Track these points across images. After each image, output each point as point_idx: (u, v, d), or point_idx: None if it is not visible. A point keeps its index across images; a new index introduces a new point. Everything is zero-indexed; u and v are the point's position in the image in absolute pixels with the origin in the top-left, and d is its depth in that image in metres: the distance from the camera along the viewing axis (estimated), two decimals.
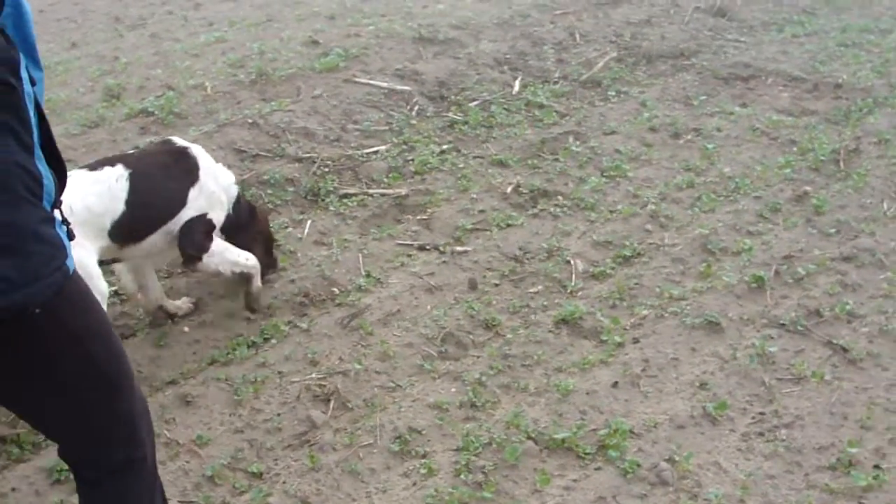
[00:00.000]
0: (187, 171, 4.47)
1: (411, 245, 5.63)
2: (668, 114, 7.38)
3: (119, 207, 4.15)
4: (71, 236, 2.29)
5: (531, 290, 5.22)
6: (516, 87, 7.78)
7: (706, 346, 4.70)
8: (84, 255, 3.81)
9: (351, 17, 9.38)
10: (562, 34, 8.96)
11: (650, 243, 5.62)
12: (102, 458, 2.52)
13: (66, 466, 3.34)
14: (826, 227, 5.72)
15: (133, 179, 4.18)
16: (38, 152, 2.13)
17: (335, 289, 5.18)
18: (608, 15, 9.55)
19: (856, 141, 6.94)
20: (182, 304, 4.93)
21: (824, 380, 4.44)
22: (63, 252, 2.17)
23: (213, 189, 4.57)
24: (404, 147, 6.74)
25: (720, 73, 8.28)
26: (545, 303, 5.10)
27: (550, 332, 4.86)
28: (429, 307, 5.07)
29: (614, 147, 6.81)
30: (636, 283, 5.18)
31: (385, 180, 6.27)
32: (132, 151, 5.38)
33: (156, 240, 4.42)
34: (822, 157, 6.60)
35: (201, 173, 4.52)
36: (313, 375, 4.55)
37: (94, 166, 4.24)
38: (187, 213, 4.46)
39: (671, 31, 9.26)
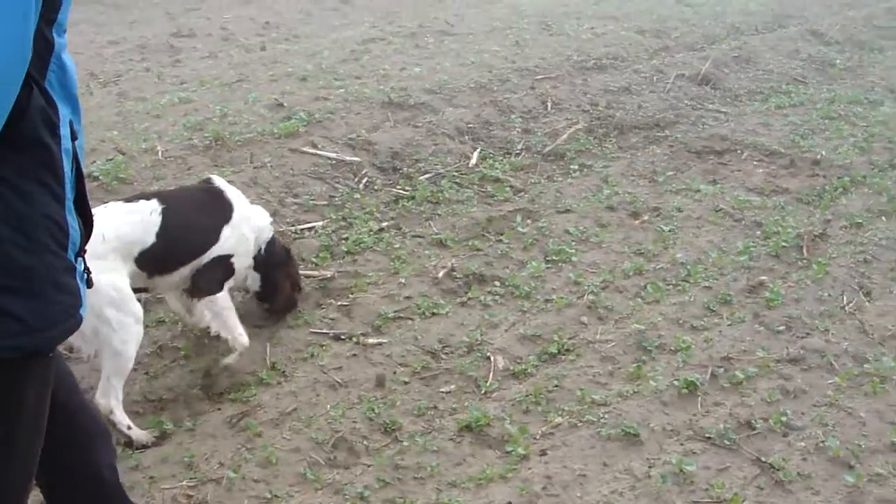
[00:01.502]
0: (221, 211, 4.62)
1: (326, 334, 5.21)
2: (630, 191, 6.96)
3: (149, 239, 4.31)
4: (90, 284, 2.39)
5: (442, 390, 4.80)
6: (473, 160, 7.41)
7: (620, 461, 4.23)
8: (117, 278, 4.12)
9: (324, 78, 9.07)
10: (533, 102, 8.60)
11: (582, 338, 5.18)
12: None
13: None
14: (775, 324, 5.26)
15: (166, 214, 4.33)
16: (70, 206, 2.21)
17: (234, 382, 4.75)
18: (587, 82, 9.18)
19: (825, 224, 6.48)
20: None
21: None
22: (80, 302, 2.25)
23: (244, 232, 4.70)
24: (342, 223, 6.36)
25: (694, 146, 7.86)
26: (454, 405, 4.67)
27: (452, 439, 4.43)
28: (328, 406, 4.63)
29: (565, 227, 6.39)
30: (556, 385, 4.74)
31: (314, 260, 5.87)
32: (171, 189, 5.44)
33: (185, 273, 4.58)
34: (785, 243, 6.14)
35: (235, 215, 4.65)
36: (184, 483, 4.11)
37: (129, 199, 4.47)
38: (216, 251, 4.59)
39: (650, 100, 8.86)
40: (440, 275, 5.74)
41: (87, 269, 2.37)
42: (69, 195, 2.20)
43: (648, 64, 9.89)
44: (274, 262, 4.99)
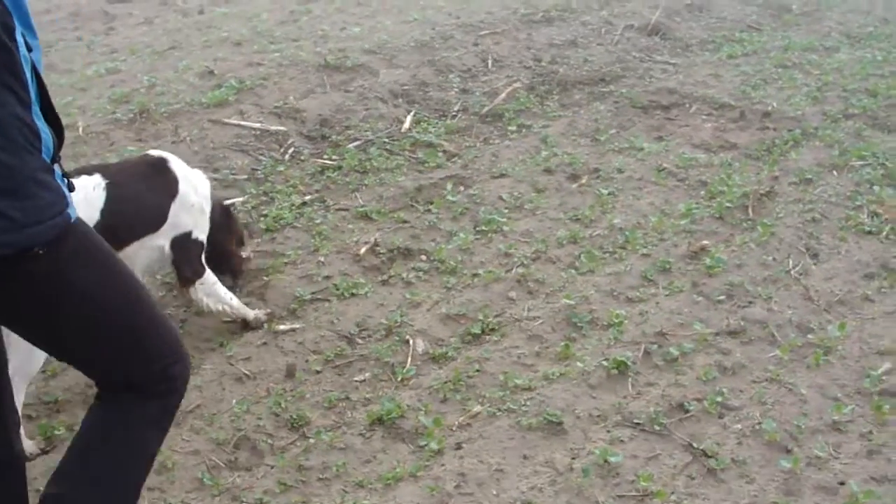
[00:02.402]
0: (166, 182, 4.41)
1: (236, 321, 4.81)
2: (570, 152, 6.58)
3: (94, 216, 4.03)
4: (71, 188, 2.45)
5: (356, 379, 4.47)
6: (406, 124, 7.01)
7: (541, 452, 3.91)
8: None
9: (259, 42, 8.65)
10: (473, 60, 8.19)
11: (508, 316, 4.83)
12: (130, 384, 2.68)
13: None
14: (715, 293, 4.92)
15: (110, 189, 4.10)
16: (36, 109, 2.29)
17: None
18: (531, 36, 8.76)
19: (773, 181, 6.14)
20: (259, 313, 4.87)
21: (671, 498, 3.60)
22: (64, 199, 2.32)
23: (194, 200, 4.49)
24: (263, 198, 5.99)
25: (640, 100, 7.48)
26: (368, 395, 4.34)
27: (362, 434, 4.09)
28: (233, 402, 4.28)
29: (498, 194, 6.03)
30: (477, 370, 4.39)
31: None
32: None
33: (137, 250, 4.33)
34: (730, 203, 5.79)
35: (180, 185, 4.44)
36: None
37: (69, 174, 4.06)
38: (174, 231, 4.44)
39: (596, 54, 8.47)
40: (362, 251, 5.40)
41: (65, 175, 2.44)
42: (34, 99, 2.28)
43: (597, 15, 9.49)
44: (215, 223, 4.72)
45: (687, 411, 4.11)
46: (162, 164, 4.46)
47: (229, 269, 4.97)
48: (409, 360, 4.57)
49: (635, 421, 4.06)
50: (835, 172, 6.35)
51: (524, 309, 4.90)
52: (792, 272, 5.18)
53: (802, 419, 4.04)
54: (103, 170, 4.25)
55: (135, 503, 2.82)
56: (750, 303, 4.90)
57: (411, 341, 4.67)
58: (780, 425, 3.99)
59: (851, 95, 7.53)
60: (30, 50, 2.31)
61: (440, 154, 6.60)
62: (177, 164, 4.51)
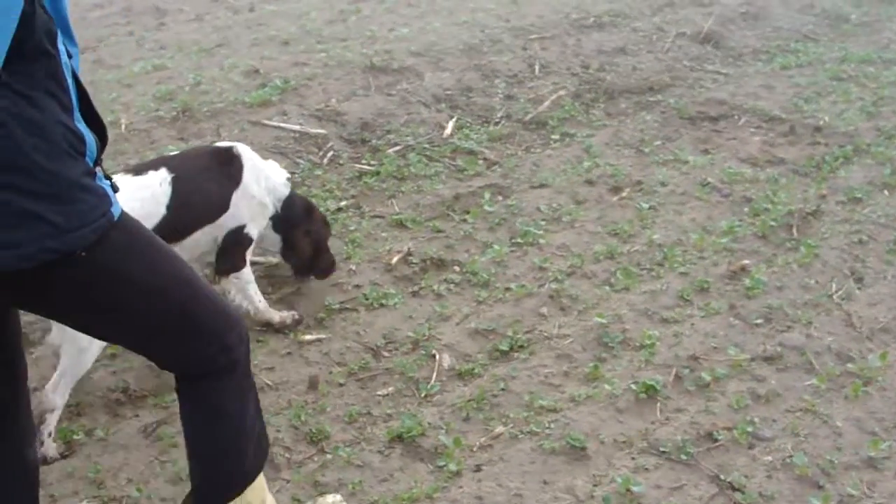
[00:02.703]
0: (230, 172, 4.45)
1: (263, 330, 4.77)
2: (613, 163, 6.45)
3: (161, 212, 4.15)
4: (115, 189, 2.49)
5: (379, 394, 4.38)
6: (448, 130, 6.92)
7: (562, 478, 3.81)
8: None
9: (306, 42, 8.61)
10: (520, 65, 8.08)
11: (539, 333, 4.73)
12: (190, 369, 2.75)
13: None
14: (753, 316, 4.77)
15: (176, 183, 4.17)
16: (78, 115, 2.34)
17: (157, 385, 4.36)
18: (580, 42, 8.62)
19: (819, 200, 5.96)
20: (286, 315, 4.85)
21: None
22: (107, 200, 2.38)
23: (255, 192, 4.51)
24: None
25: (688, 111, 7.32)
26: (390, 410, 4.26)
27: (380, 451, 4.01)
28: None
29: (536, 205, 5.92)
30: (503, 388, 4.30)
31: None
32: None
33: (196, 239, 4.40)
34: (774, 222, 5.62)
35: (245, 174, 4.47)
36: (84, 503, 3.71)
37: (137, 170, 4.28)
38: (231, 222, 4.49)
39: (646, 62, 8.31)
40: (394, 260, 5.32)
41: (108, 177, 2.49)
42: (75, 105, 2.33)
43: (649, 21, 9.31)
44: (292, 220, 4.75)
45: (716, 440, 3.98)
46: (228, 153, 4.49)
47: (311, 268, 5.02)
48: (435, 375, 4.49)
49: (661, 449, 3.94)
50: (885, 192, 6.15)
51: (555, 326, 4.79)
52: (834, 296, 5.01)
53: (836, 454, 3.89)
54: (169, 163, 4.30)
55: (264, 448, 3.05)
56: (788, 327, 4.75)
57: (437, 356, 4.59)
58: (812, 459, 3.85)
59: None
60: (70, 57, 2.36)
61: (480, 162, 6.50)
62: (245, 154, 4.53)
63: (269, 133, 6.73)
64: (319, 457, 4.04)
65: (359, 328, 4.83)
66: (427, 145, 6.69)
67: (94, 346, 3.90)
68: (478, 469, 3.90)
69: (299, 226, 4.78)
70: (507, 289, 5.10)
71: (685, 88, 7.85)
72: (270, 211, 4.62)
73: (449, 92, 7.49)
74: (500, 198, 6.07)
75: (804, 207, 5.82)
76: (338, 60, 7.96)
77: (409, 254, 5.40)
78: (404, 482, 3.87)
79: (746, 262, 5.28)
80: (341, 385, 4.46)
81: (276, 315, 4.75)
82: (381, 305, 5.00)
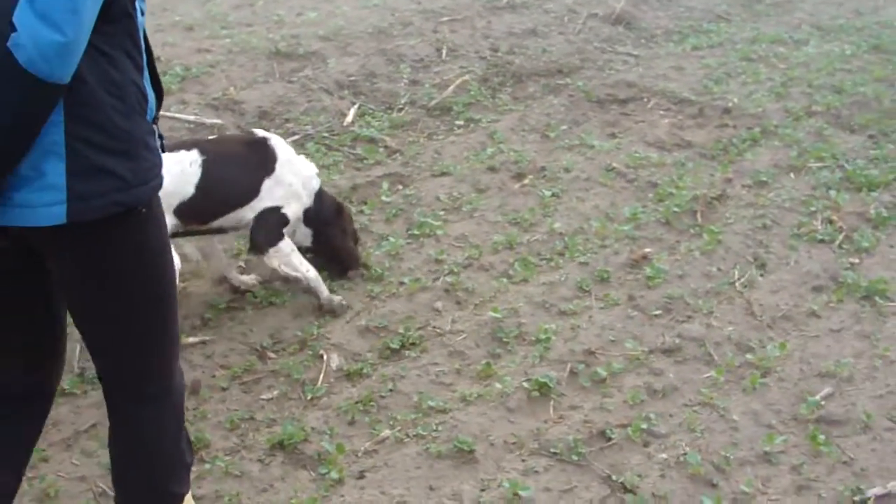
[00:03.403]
0: (263, 163, 4.48)
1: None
2: (517, 149, 6.27)
3: (189, 190, 4.26)
4: (163, 149, 2.59)
5: (263, 397, 4.17)
6: (349, 117, 6.70)
7: (448, 483, 3.64)
8: None
9: (211, 27, 8.28)
10: (427, 49, 7.85)
11: (432, 329, 4.55)
12: (137, 382, 2.73)
13: None
14: (652, 307, 4.63)
15: (206, 166, 4.26)
16: (146, 73, 2.42)
17: None
18: (490, 24, 8.43)
19: (725, 183, 5.85)
20: (249, 279, 4.87)
21: None
22: (161, 161, 2.46)
23: (290, 181, 4.53)
24: None
25: (596, 94, 7.17)
26: (274, 415, 4.06)
27: (261, 460, 3.80)
28: None
29: (437, 194, 5.73)
30: (391, 389, 4.10)
31: None
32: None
33: (222, 223, 4.49)
34: (677, 208, 5.50)
35: (278, 167, 4.49)
36: None
37: (171, 148, 4.24)
38: (262, 204, 4.49)
39: (556, 43, 8.15)
40: None
41: (160, 135, 2.55)
42: (144, 64, 2.41)
43: (562, 2, 9.13)
44: (324, 216, 4.77)
45: (609, 439, 3.83)
46: (262, 143, 4.55)
47: (341, 264, 4.95)
48: (322, 376, 4.29)
49: (552, 450, 3.78)
50: (791, 175, 6.07)
51: (449, 321, 4.62)
52: (736, 284, 4.90)
53: (732, 449, 3.77)
54: (202, 146, 4.38)
55: (187, 464, 3.04)
56: (689, 317, 4.62)
57: (325, 356, 4.38)
58: (706, 456, 3.73)
59: (816, 92, 7.25)
60: (142, 14, 2.41)
61: (381, 150, 6.30)
62: (279, 145, 4.59)
63: (163, 124, 6.38)
64: (198, 467, 3.80)
65: (245, 328, 4.61)
66: (327, 134, 6.48)
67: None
68: (361, 476, 3.72)
69: (333, 223, 4.81)
70: (401, 283, 4.91)
71: (595, 71, 7.71)
72: (305, 202, 4.65)
73: (352, 78, 7.26)
74: (399, 187, 5.88)
75: (709, 192, 5.71)
76: (242, 47, 7.70)
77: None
78: (284, 492, 3.67)
79: (648, 250, 5.15)
80: (224, 389, 4.25)
81: (326, 290, 4.69)
82: (270, 304, 4.79)
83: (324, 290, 4.68)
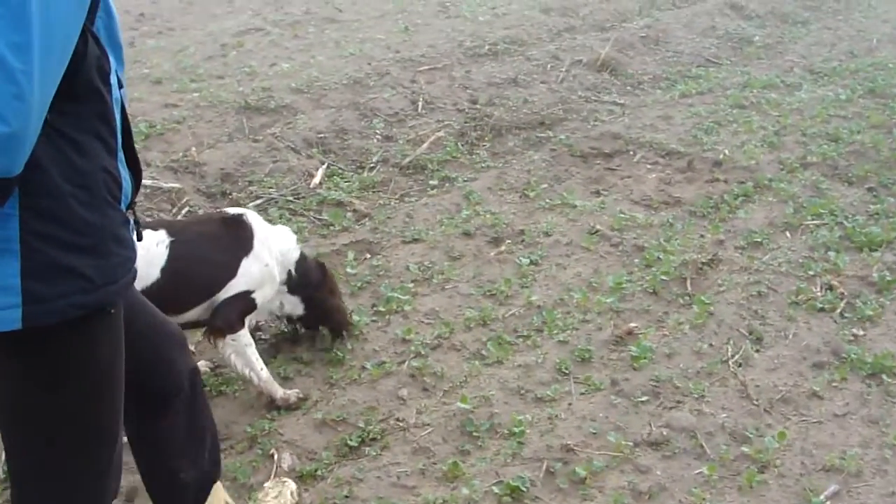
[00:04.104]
0: (239, 241, 4.16)
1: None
2: (495, 210, 5.86)
3: (154, 274, 3.86)
4: (139, 237, 2.41)
5: None
6: (317, 178, 6.29)
7: None
8: None
9: (180, 80, 7.90)
10: (402, 102, 7.45)
11: (395, 421, 4.12)
12: None
13: None
14: (638, 392, 4.20)
15: (174, 247, 3.90)
16: (120, 155, 2.22)
17: None
18: (470, 74, 8.06)
19: (717, 246, 5.43)
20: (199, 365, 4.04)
21: None
22: (134, 255, 2.26)
23: (266, 262, 4.23)
24: None
25: (579, 148, 6.78)
26: None
27: None
28: None
29: (407, 263, 5.32)
30: (347, 495, 3.69)
31: None
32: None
33: (199, 313, 4.11)
34: (665, 275, 5.08)
35: (255, 245, 4.18)
36: None
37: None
38: (237, 285, 4.14)
39: (538, 93, 7.76)
40: None
41: (136, 222, 2.37)
42: (119, 146, 2.20)
43: (545, 49, 8.76)
44: (310, 281, 4.50)
45: None
46: (237, 220, 4.24)
47: (334, 324, 4.69)
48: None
49: None
50: (787, 233, 5.65)
51: (414, 412, 4.18)
52: (730, 362, 4.46)
53: None
54: (168, 226, 4.05)
55: None
56: (678, 403, 4.18)
57: (276, 455, 3.92)
58: None
59: (811, 141, 6.85)
60: (121, 87, 2.24)
61: (349, 215, 5.89)
62: (255, 221, 4.28)
63: None
64: None
65: None
66: (292, 197, 6.06)
67: None
68: None
69: (321, 286, 4.57)
70: (364, 367, 4.49)
71: (579, 122, 7.31)
72: (279, 278, 4.35)
73: (322, 135, 6.87)
74: (366, 256, 5.47)
75: (699, 257, 5.29)
76: (211, 101, 7.34)
77: (258, 329, 4.71)
78: None
79: (634, 324, 4.72)
80: None
81: (280, 390, 4.29)
82: (220, 393, 4.38)
83: (277, 390, 4.29)
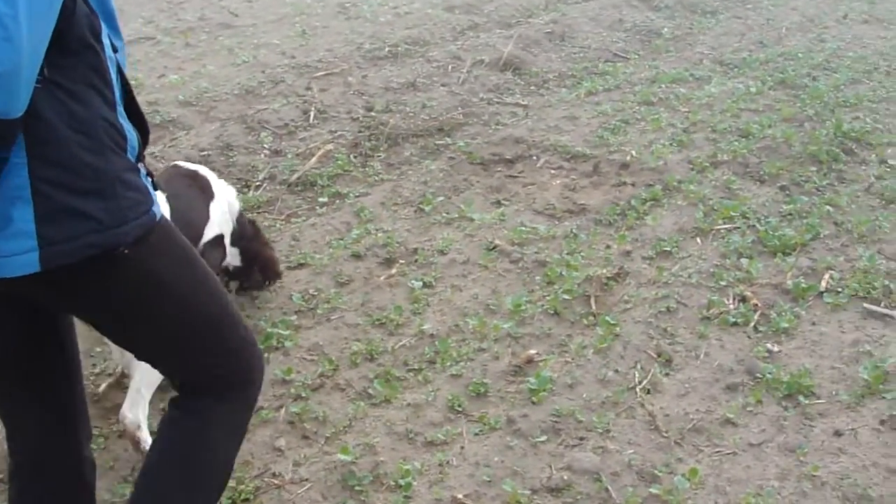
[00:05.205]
0: (204, 189, 4.41)
1: None
2: (388, 228, 5.44)
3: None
4: (156, 187, 2.48)
5: None
6: None
7: None
8: None
9: None
10: (293, 112, 6.97)
11: (270, 477, 3.67)
12: (213, 387, 2.67)
13: None
14: (537, 430, 3.85)
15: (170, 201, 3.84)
16: (121, 110, 2.34)
17: None
18: (366, 79, 7.61)
19: (624, 257, 5.07)
20: None
21: None
22: (149, 198, 2.36)
23: (225, 207, 4.47)
24: None
25: (479, 155, 6.37)
26: None
27: None
28: None
29: (290, 292, 4.86)
30: None
31: None
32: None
33: None
34: (567, 294, 4.67)
35: (215, 192, 4.44)
36: None
37: None
38: (209, 232, 4.30)
39: (437, 97, 7.34)
40: (102, 387, 4.15)
41: (150, 174, 2.45)
42: (119, 100, 2.31)
43: (447, 49, 8.34)
44: (247, 233, 4.69)
45: None
46: (195, 173, 4.53)
47: (270, 273, 4.88)
48: None
49: None
50: (698, 240, 5.31)
51: (291, 465, 3.73)
52: (637, 389, 4.11)
53: None
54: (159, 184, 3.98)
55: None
56: (581, 440, 3.81)
57: None
58: None
59: (721, 137, 6.52)
60: (115, 51, 2.33)
61: None
62: (207, 173, 4.61)
63: None
64: None
65: None
66: None
67: None
68: None
69: (255, 237, 4.77)
70: None
71: (479, 126, 6.90)
72: (230, 225, 4.52)
73: (205, 152, 6.37)
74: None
75: (605, 272, 4.90)
76: None
77: (109, 374, 4.24)
78: None
79: (533, 351, 4.34)
80: None
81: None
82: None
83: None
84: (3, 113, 1.98)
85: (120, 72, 2.39)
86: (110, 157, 2.26)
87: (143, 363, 3.40)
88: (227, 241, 4.55)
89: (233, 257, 4.65)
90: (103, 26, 2.28)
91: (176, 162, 4.95)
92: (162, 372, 2.87)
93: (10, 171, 2.13)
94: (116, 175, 2.27)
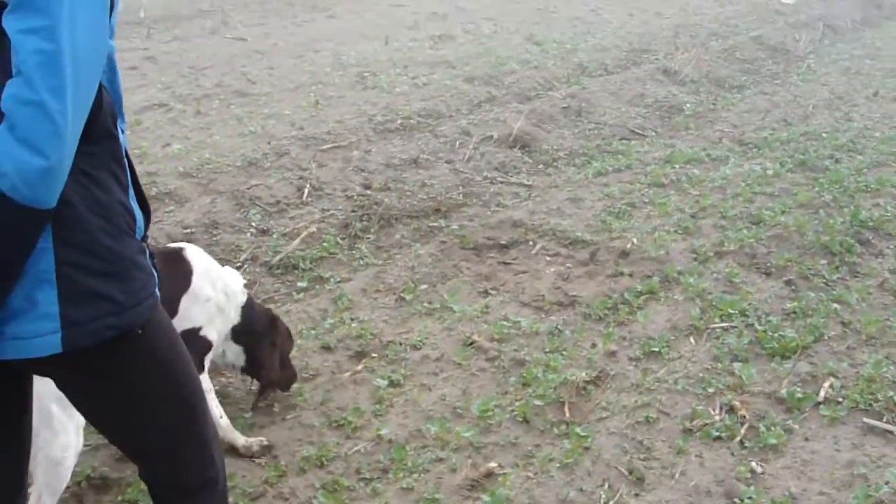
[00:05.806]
0: (178, 277, 3.96)
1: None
2: (364, 318, 5.16)
3: None
4: (156, 267, 2.48)
5: None
6: None
7: None
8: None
9: None
10: (287, 188, 6.74)
11: None
12: (182, 479, 2.65)
13: None
14: None
15: None
16: (131, 192, 2.39)
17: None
18: (368, 154, 7.38)
19: (608, 358, 4.71)
20: (252, 441, 4.20)
21: None
22: (154, 278, 2.41)
23: (211, 297, 4.05)
24: None
25: (473, 239, 6.09)
26: None
27: None
28: None
29: (250, 386, 4.54)
30: None
31: None
32: None
33: None
34: (539, 400, 4.36)
35: (195, 280, 4.02)
36: None
37: None
38: (180, 325, 3.81)
39: (439, 175, 7.10)
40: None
41: (151, 255, 2.46)
42: (129, 183, 2.37)
43: (456, 124, 8.08)
44: (255, 330, 4.30)
45: None
46: (176, 254, 4.07)
47: (262, 380, 4.45)
48: None
49: None
50: (691, 339, 4.96)
51: None
52: None
53: None
54: None
55: None
56: None
57: None
58: None
59: (730, 224, 6.18)
60: (122, 133, 2.38)
61: None
62: (195, 256, 4.12)
63: None
64: None
65: None
66: None
67: (69, 456, 3.37)
68: None
69: (265, 336, 4.34)
70: None
71: (478, 207, 6.63)
72: (232, 319, 4.20)
73: (190, 230, 6.13)
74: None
75: (584, 375, 4.54)
76: None
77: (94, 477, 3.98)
78: None
79: (494, 464, 4.00)
80: None
81: (241, 438, 4.12)
82: None
83: (238, 437, 4.15)
84: (45, 203, 2.06)
85: (126, 154, 2.43)
86: (126, 239, 2.31)
87: (49, 461, 3.40)
88: (222, 336, 4.24)
89: (236, 356, 4.39)
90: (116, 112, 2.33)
91: (169, 245, 4.70)
92: (130, 455, 2.83)
93: (36, 256, 2.16)
94: (132, 257, 2.32)
